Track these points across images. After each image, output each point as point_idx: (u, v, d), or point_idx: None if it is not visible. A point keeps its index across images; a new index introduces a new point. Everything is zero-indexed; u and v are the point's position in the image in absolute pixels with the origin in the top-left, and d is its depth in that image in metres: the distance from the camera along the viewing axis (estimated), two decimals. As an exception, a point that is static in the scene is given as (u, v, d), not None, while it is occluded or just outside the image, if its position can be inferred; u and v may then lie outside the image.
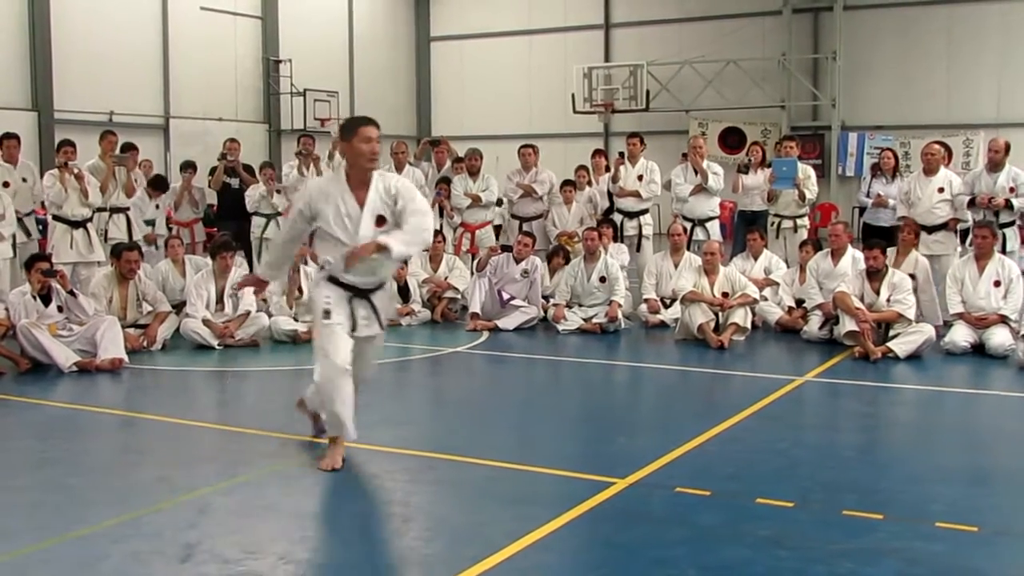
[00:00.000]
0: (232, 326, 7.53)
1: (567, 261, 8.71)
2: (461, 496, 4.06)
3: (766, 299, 8.13)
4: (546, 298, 8.58)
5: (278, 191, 9.65)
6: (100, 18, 15.61)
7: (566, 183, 9.65)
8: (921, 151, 8.72)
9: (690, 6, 19.48)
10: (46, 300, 6.76)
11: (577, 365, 7.15)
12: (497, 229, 10.20)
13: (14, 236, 8.13)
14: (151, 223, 9.56)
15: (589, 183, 9.85)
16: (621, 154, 9.76)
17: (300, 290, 7.89)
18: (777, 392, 5.89)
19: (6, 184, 8.24)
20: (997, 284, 7.16)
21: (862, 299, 7.14)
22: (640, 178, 9.42)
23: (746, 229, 9.03)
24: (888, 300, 7.08)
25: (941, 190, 8.14)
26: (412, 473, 4.34)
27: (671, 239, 8.60)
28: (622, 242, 9.34)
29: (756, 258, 8.59)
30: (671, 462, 4.36)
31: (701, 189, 9.24)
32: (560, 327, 8.09)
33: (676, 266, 8.36)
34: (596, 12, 20.68)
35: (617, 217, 9.50)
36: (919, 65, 17.84)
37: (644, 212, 9.52)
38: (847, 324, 7.05)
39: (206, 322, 7.48)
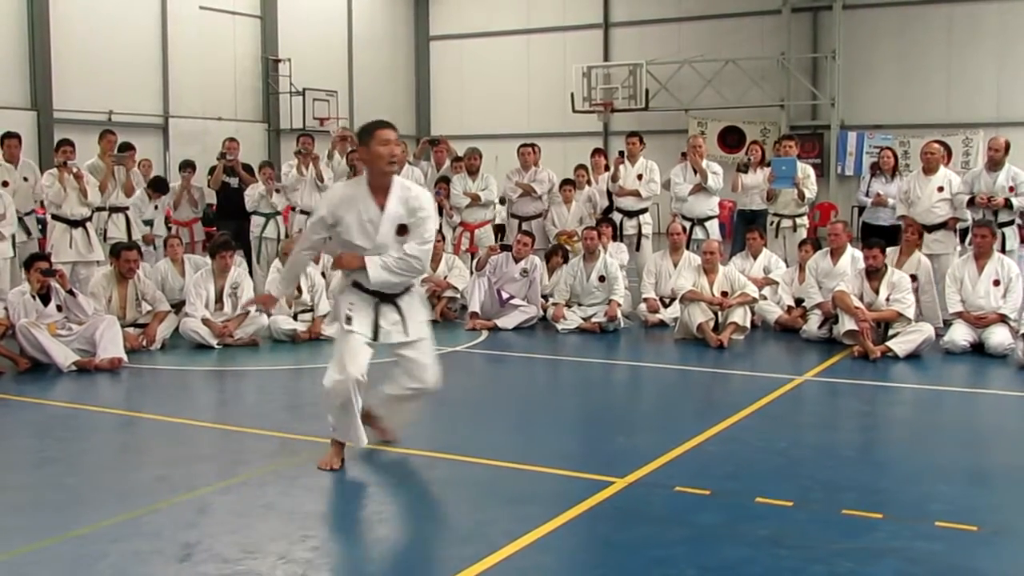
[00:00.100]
0: (231, 325, 7.53)
1: (566, 260, 8.71)
2: (460, 495, 4.05)
3: (765, 298, 8.13)
4: (545, 297, 8.58)
5: (277, 190, 9.65)
6: (99, 18, 15.60)
7: (565, 182, 9.66)
8: (920, 150, 8.72)
9: (689, 5, 19.48)
10: (45, 299, 6.76)
11: (576, 364, 7.15)
12: (500, 229, 10.20)
13: (14, 235, 8.13)
14: (149, 223, 9.56)
15: (588, 182, 9.84)
16: (621, 153, 9.76)
17: (299, 290, 7.89)
18: (776, 391, 5.89)
19: (6, 183, 8.24)
20: (996, 283, 7.16)
21: (861, 298, 7.14)
22: (639, 177, 9.42)
23: (745, 228, 9.04)
24: (887, 299, 7.08)
25: (940, 189, 8.15)
26: (412, 472, 4.34)
27: (670, 238, 8.60)
28: (621, 241, 9.34)
29: (755, 257, 8.59)
30: (670, 461, 4.36)
31: (700, 188, 9.24)
32: (559, 326, 8.09)
33: (675, 265, 8.36)
34: (595, 11, 20.68)
35: (616, 216, 9.50)
36: (918, 64, 17.85)
37: (643, 211, 9.52)
38: (846, 323, 7.05)
39: (205, 321, 7.48)
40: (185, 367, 6.88)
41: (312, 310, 7.90)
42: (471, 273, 8.94)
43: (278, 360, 7.13)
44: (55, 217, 8.25)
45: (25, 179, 8.47)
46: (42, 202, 8.59)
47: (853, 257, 7.74)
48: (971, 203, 7.99)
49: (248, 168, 10.28)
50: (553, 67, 20.43)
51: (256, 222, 9.65)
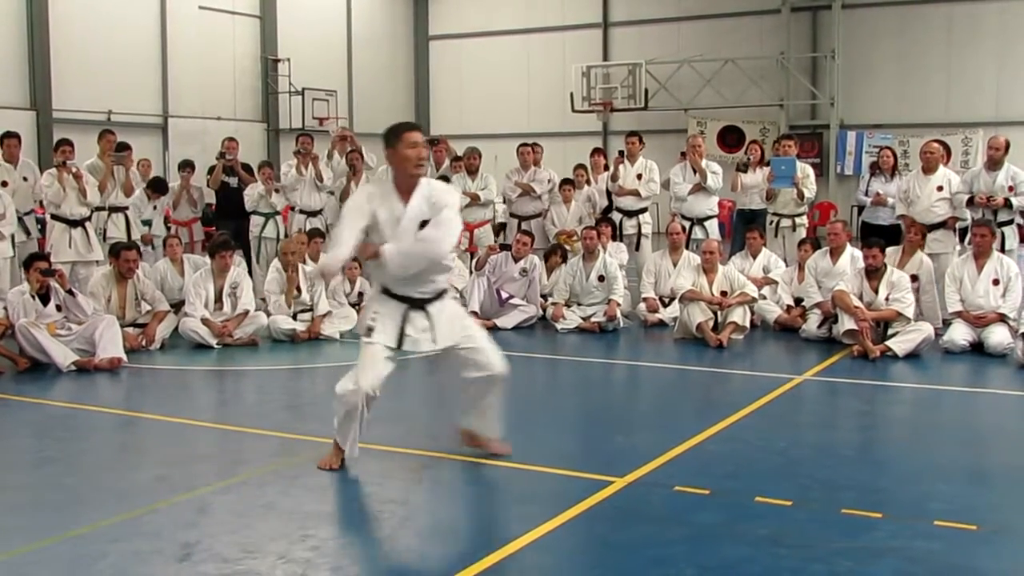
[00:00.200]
0: (231, 325, 7.52)
1: (564, 260, 8.71)
2: (460, 495, 4.06)
3: (765, 298, 8.13)
4: (544, 297, 8.58)
5: (276, 190, 9.64)
6: (99, 17, 15.60)
7: (565, 182, 9.66)
8: (920, 149, 8.73)
9: (688, 5, 19.48)
10: (45, 299, 6.76)
11: (576, 364, 7.15)
12: (502, 228, 10.20)
13: (13, 235, 8.13)
14: (148, 223, 9.56)
15: (588, 182, 9.84)
16: (621, 153, 9.76)
17: (299, 289, 7.89)
18: (776, 391, 5.89)
19: (5, 183, 8.24)
20: (996, 282, 7.16)
21: (861, 298, 7.15)
22: (639, 177, 9.42)
23: (745, 228, 9.04)
24: (887, 299, 7.08)
25: (940, 188, 8.15)
26: (411, 472, 4.34)
27: (670, 238, 8.60)
28: (621, 241, 9.34)
29: (755, 257, 8.59)
30: (670, 461, 4.36)
31: (700, 188, 9.24)
32: (559, 326, 8.09)
33: (675, 265, 8.36)
34: (595, 11, 20.68)
35: (616, 216, 9.50)
36: (918, 64, 17.85)
37: (643, 211, 9.52)
38: (846, 323, 7.05)
39: (205, 321, 7.47)
40: (184, 367, 6.88)
41: (311, 310, 7.90)
42: (470, 273, 8.94)
43: (277, 360, 7.13)
44: (54, 217, 8.24)
45: (24, 179, 8.47)
46: (41, 202, 8.59)
47: (852, 256, 7.74)
48: (970, 202, 7.99)
49: (247, 168, 10.27)
50: (552, 67, 20.43)
51: (255, 222, 9.65)
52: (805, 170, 9.26)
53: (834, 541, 3.43)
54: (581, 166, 10.03)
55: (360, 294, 8.70)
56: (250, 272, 8.88)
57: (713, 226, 9.33)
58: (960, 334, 7.05)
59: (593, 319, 8.12)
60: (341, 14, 20.31)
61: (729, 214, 11.97)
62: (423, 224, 4.08)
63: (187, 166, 10.34)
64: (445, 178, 9.69)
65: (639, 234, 9.43)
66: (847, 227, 8.60)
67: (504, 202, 10.08)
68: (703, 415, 5.35)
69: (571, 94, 19.22)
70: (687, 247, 8.69)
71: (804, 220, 9.36)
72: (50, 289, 6.80)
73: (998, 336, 6.91)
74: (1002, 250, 7.61)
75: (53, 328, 6.65)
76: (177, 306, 7.73)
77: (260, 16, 18.63)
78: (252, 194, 9.64)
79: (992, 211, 7.86)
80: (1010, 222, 7.99)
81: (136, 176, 9.44)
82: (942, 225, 8.13)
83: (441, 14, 21.98)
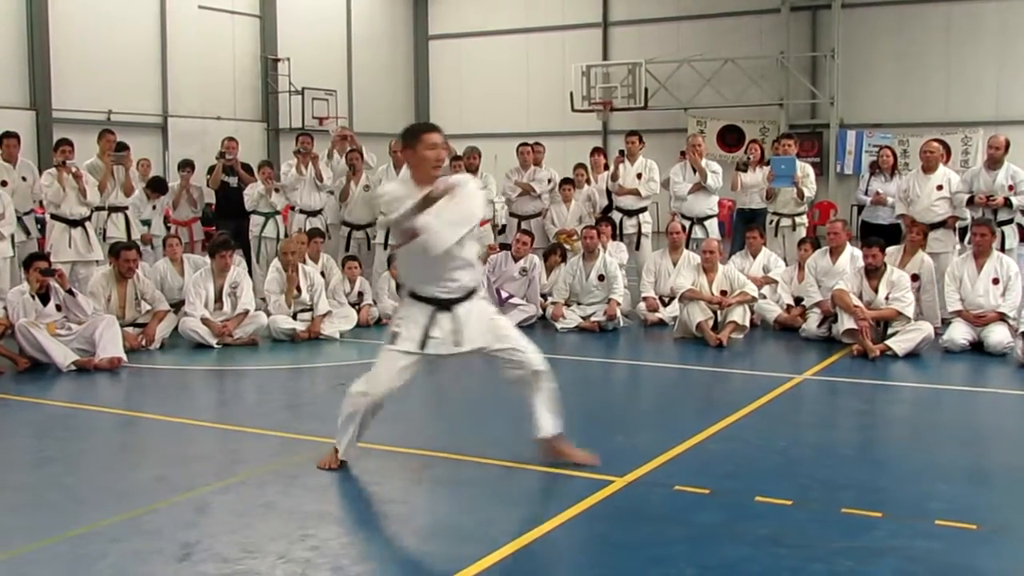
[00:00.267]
0: (231, 325, 7.52)
1: (564, 259, 8.71)
2: (460, 495, 4.05)
3: (765, 297, 8.13)
4: (544, 296, 8.58)
5: (276, 190, 9.64)
6: (98, 17, 15.59)
7: (565, 181, 9.66)
8: (920, 149, 8.73)
9: (688, 4, 19.47)
10: (45, 299, 6.76)
11: (576, 363, 7.14)
12: (502, 227, 10.20)
13: (13, 235, 8.13)
14: (147, 223, 9.55)
15: (588, 181, 9.85)
16: (621, 152, 9.76)
17: (298, 289, 7.89)
18: (776, 390, 5.89)
19: (4, 183, 8.23)
20: (995, 282, 7.16)
21: (861, 297, 7.15)
22: (639, 176, 9.42)
23: (745, 227, 9.04)
24: (887, 298, 7.08)
25: (940, 188, 8.15)
26: (411, 471, 4.34)
27: (670, 237, 8.60)
28: (621, 240, 9.34)
29: (755, 256, 8.59)
30: (670, 460, 4.36)
31: (700, 187, 9.24)
32: (559, 325, 8.09)
33: (675, 264, 8.36)
34: (594, 10, 20.68)
35: (616, 215, 9.51)
36: (917, 63, 17.84)
37: (643, 210, 9.52)
38: (846, 322, 7.05)
39: (205, 321, 7.47)
40: (184, 367, 6.88)
41: (311, 309, 7.90)
42: (470, 272, 8.92)
43: (277, 360, 7.13)
44: (54, 217, 8.24)
45: (24, 179, 8.46)
46: (41, 202, 8.58)
47: (852, 256, 7.74)
48: (970, 202, 7.99)
49: (247, 167, 10.27)
50: (552, 66, 20.43)
51: (255, 221, 9.64)
52: (805, 169, 9.26)
53: (834, 541, 3.43)
54: (581, 165, 10.04)
55: (360, 294, 8.70)
56: (250, 272, 8.88)
57: (713, 225, 9.33)
58: (960, 333, 7.05)
59: (593, 318, 8.12)
60: (341, 14, 20.30)
61: (729, 213, 11.97)
62: None
63: (187, 166, 10.34)
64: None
65: (639, 233, 9.43)
66: (847, 226, 8.62)
67: (505, 202, 10.07)
68: (703, 414, 5.35)
69: (571, 93, 19.21)
70: (687, 246, 8.69)
71: (804, 219, 9.36)
72: (50, 289, 6.80)
73: (998, 335, 6.91)
74: (1002, 249, 7.61)
75: (53, 328, 6.65)
76: (177, 306, 7.73)
77: (260, 16, 18.63)
78: (252, 194, 9.63)
79: (992, 210, 7.86)
80: (1010, 221, 8.00)
81: (135, 176, 9.44)
82: (942, 224, 8.13)
83: (441, 14, 21.97)
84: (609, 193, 9.77)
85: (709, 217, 9.31)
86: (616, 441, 4.87)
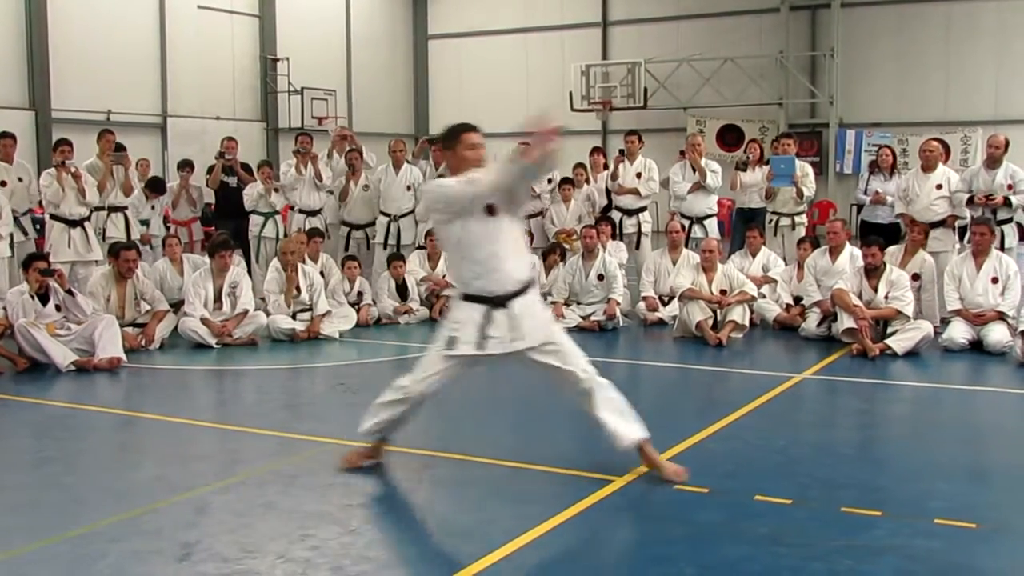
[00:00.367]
0: (230, 325, 7.52)
1: (563, 258, 8.71)
2: (460, 494, 4.05)
3: (764, 296, 8.14)
4: (544, 296, 8.57)
5: (276, 189, 9.64)
6: (97, 17, 15.59)
7: (564, 181, 9.66)
8: (919, 148, 8.73)
9: (687, 4, 19.47)
10: (44, 299, 6.76)
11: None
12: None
13: (12, 235, 8.13)
14: (145, 223, 9.55)
15: (587, 181, 9.85)
16: (621, 152, 9.76)
17: (298, 289, 7.89)
18: (775, 389, 5.89)
19: (3, 183, 8.23)
20: (995, 281, 7.16)
21: (860, 296, 7.15)
22: (638, 176, 9.43)
23: (744, 227, 9.04)
24: (886, 297, 7.08)
25: (939, 187, 8.15)
26: (411, 471, 4.34)
27: (669, 237, 8.60)
28: (621, 240, 9.34)
29: (754, 255, 8.59)
30: (669, 459, 4.35)
31: (699, 187, 9.24)
32: (558, 325, 8.08)
33: (674, 264, 8.36)
34: (594, 10, 20.67)
35: (616, 215, 9.51)
36: (917, 62, 17.85)
37: (643, 210, 9.52)
38: (845, 321, 7.05)
39: (204, 321, 7.47)
40: (184, 367, 6.88)
41: (311, 309, 7.90)
42: (470, 272, 8.92)
43: (277, 359, 7.12)
44: (53, 217, 8.23)
45: (20, 179, 8.45)
46: (40, 202, 8.58)
47: (852, 255, 7.75)
48: (970, 201, 7.99)
49: (247, 167, 10.27)
50: (551, 66, 20.42)
51: (255, 221, 9.64)
52: (804, 169, 9.26)
53: (834, 539, 3.43)
54: (580, 165, 10.03)
55: (359, 294, 8.70)
56: (249, 272, 8.88)
57: (712, 225, 9.33)
58: (959, 332, 7.05)
59: (592, 318, 8.12)
60: (340, 13, 20.29)
61: (728, 213, 11.97)
62: (489, 207, 3.91)
63: (186, 166, 10.33)
64: (444, 177, 9.70)
65: (639, 233, 9.43)
66: (846, 226, 8.62)
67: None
68: (702, 414, 5.35)
69: (570, 93, 19.21)
70: (686, 246, 8.69)
71: (803, 219, 9.36)
72: (49, 289, 6.80)
73: (997, 334, 6.92)
74: (1001, 248, 7.61)
75: (52, 328, 6.65)
76: (176, 306, 7.73)
77: (259, 15, 18.62)
78: (251, 193, 9.63)
79: (991, 210, 7.86)
80: (1009, 220, 8.00)
81: (135, 176, 9.43)
82: (941, 224, 8.13)
83: (440, 13, 21.96)
84: (608, 192, 9.77)
85: (708, 216, 9.31)
86: (616, 440, 4.86)
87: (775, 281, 8.33)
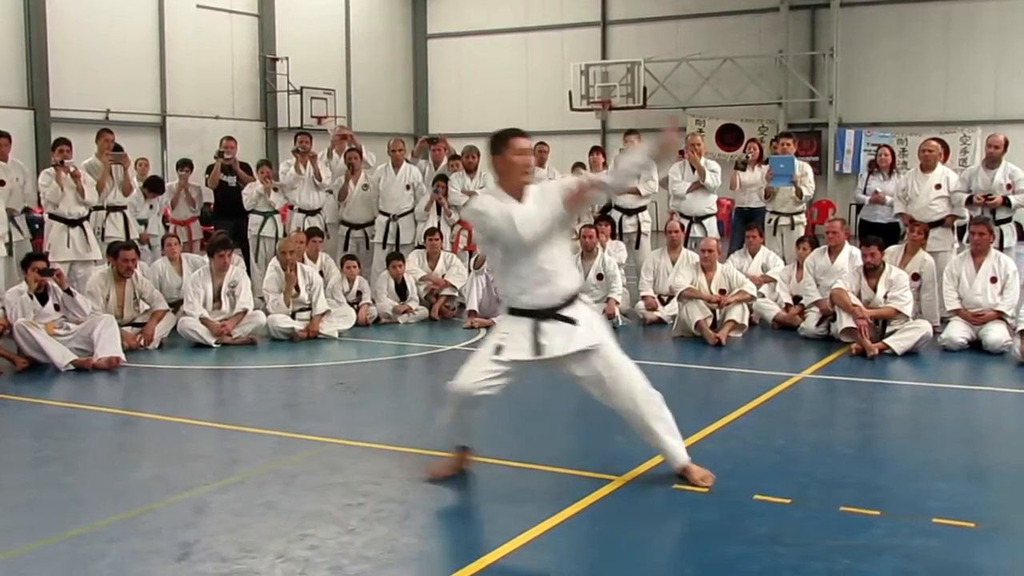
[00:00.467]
0: (229, 324, 7.52)
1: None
2: (459, 494, 4.05)
3: (763, 296, 8.14)
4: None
5: (275, 189, 9.63)
6: (96, 16, 15.58)
7: (563, 180, 9.63)
8: (918, 148, 8.73)
9: (687, 3, 19.47)
10: (43, 299, 6.75)
11: (575, 362, 7.14)
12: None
13: (10, 234, 8.12)
14: (144, 223, 9.54)
15: (586, 180, 9.83)
16: (622, 151, 9.75)
17: (297, 288, 7.89)
18: (774, 389, 5.89)
19: (3, 183, 8.21)
20: (994, 280, 7.17)
21: (859, 296, 7.15)
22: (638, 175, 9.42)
23: (744, 226, 9.04)
24: (885, 296, 7.08)
25: (938, 187, 8.15)
26: (410, 471, 4.33)
27: (668, 236, 8.60)
28: (620, 239, 9.34)
29: (753, 255, 8.59)
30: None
31: (698, 186, 9.24)
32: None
33: (673, 263, 8.36)
34: (593, 9, 20.67)
35: (615, 214, 9.51)
36: (916, 62, 17.85)
37: (642, 209, 9.52)
38: (844, 321, 7.06)
39: (203, 320, 7.47)
40: (183, 366, 6.88)
41: (310, 309, 7.89)
42: (469, 271, 8.94)
43: (276, 359, 7.12)
44: (52, 216, 8.22)
45: (16, 179, 8.42)
46: (39, 201, 8.56)
47: (851, 255, 7.75)
48: (969, 201, 7.99)
49: (246, 167, 10.26)
50: (551, 65, 20.42)
51: (254, 221, 9.64)
52: (803, 168, 9.27)
53: (833, 539, 3.43)
54: (580, 164, 10.03)
55: (359, 293, 8.70)
56: (248, 271, 8.87)
57: (712, 224, 9.33)
58: (958, 332, 7.06)
59: (592, 317, 8.11)
60: (339, 13, 20.28)
61: (728, 212, 11.97)
62: None
63: (185, 165, 10.32)
64: (443, 177, 9.70)
65: (638, 232, 9.43)
66: (845, 225, 8.63)
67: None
68: (701, 413, 5.34)
69: (569, 92, 19.21)
70: (686, 245, 8.70)
71: (803, 218, 9.37)
72: (48, 289, 6.79)
73: (996, 334, 6.92)
74: (1000, 248, 7.62)
75: (51, 328, 6.65)
76: (175, 305, 7.73)
77: (258, 15, 18.61)
78: (251, 193, 9.63)
79: (990, 209, 7.86)
80: (1008, 220, 8.00)
81: (134, 175, 9.42)
82: (940, 223, 8.14)
83: (439, 13, 21.96)
84: (607, 192, 9.75)
85: (708, 216, 9.31)
86: (615, 440, 4.86)
87: (774, 280, 8.33)
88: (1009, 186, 7.88)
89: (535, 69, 20.91)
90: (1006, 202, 7.86)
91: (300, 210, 9.59)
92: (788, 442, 4.81)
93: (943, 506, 3.75)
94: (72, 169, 8.17)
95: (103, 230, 8.74)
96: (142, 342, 7.25)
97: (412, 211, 9.56)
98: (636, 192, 9.42)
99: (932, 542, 3.42)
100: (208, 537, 3.49)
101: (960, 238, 8.24)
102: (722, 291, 7.64)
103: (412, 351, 7.50)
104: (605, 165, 10.14)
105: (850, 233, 9.47)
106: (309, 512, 3.75)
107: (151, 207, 9.75)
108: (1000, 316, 7.03)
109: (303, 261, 8.18)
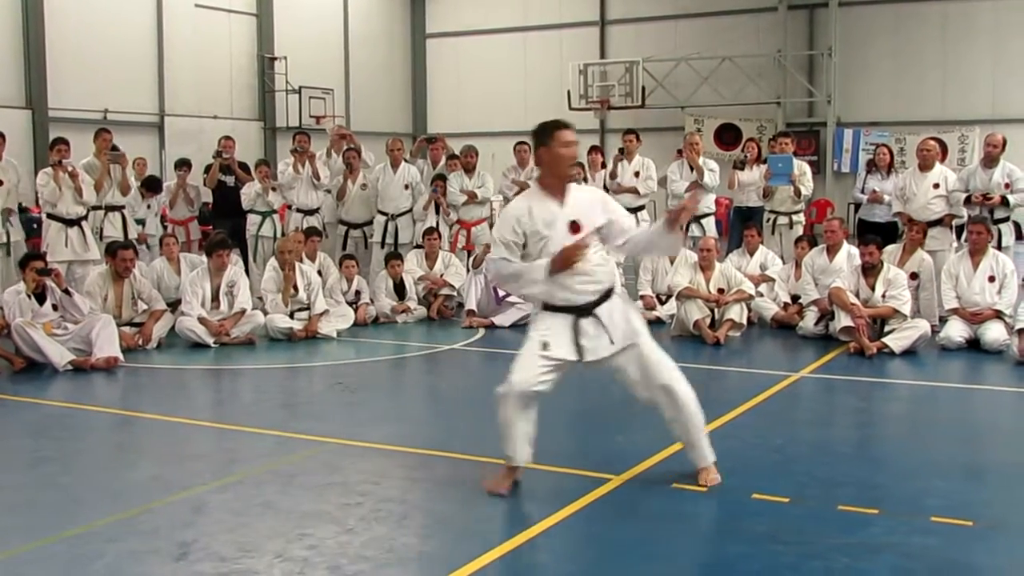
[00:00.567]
0: (227, 324, 7.52)
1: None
2: (457, 493, 4.05)
3: (762, 295, 8.14)
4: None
5: (273, 188, 9.62)
6: (94, 15, 15.55)
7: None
8: (916, 147, 8.74)
9: (685, 3, 19.45)
10: (41, 299, 6.74)
11: (573, 362, 7.14)
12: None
13: (7, 234, 8.10)
14: (141, 222, 9.53)
15: (585, 180, 9.83)
16: (620, 150, 9.77)
17: (295, 288, 7.88)
18: (773, 388, 5.90)
19: (1, 183, 8.20)
20: (992, 279, 7.17)
21: (857, 295, 7.15)
22: (637, 175, 9.44)
23: (742, 225, 9.05)
24: (883, 296, 7.09)
25: (936, 186, 8.16)
26: (409, 470, 4.34)
27: (667, 235, 8.59)
28: (618, 239, 9.32)
29: (752, 254, 8.60)
30: (667, 458, 4.36)
31: (697, 185, 9.24)
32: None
33: (672, 263, 8.36)
34: (592, 9, 20.65)
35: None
36: (914, 61, 17.86)
37: (641, 208, 9.52)
38: (842, 320, 7.06)
39: (201, 320, 7.46)
40: (181, 366, 6.87)
41: (308, 308, 7.89)
42: (467, 271, 8.94)
43: (274, 359, 7.12)
44: (50, 216, 8.21)
45: (11, 178, 8.39)
46: (37, 200, 8.55)
47: (849, 254, 7.76)
48: (967, 201, 8.00)
49: (244, 166, 10.25)
50: (549, 64, 20.40)
51: (252, 220, 9.63)
52: (802, 167, 9.27)
53: (831, 537, 3.43)
54: (579, 164, 9.99)
55: (357, 292, 8.70)
56: (247, 271, 8.87)
57: (710, 224, 9.34)
58: (956, 331, 7.06)
59: (590, 317, 8.11)
60: (338, 12, 20.26)
61: (726, 212, 11.97)
62: (571, 224, 3.84)
63: (183, 165, 10.31)
64: (442, 176, 9.70)
65: (637, 232, 9.42)
66: (844, 224, 8.63)
67: (502, 200, 10.07)
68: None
69: (568, 92, 19.18)
70: (684, 245, 8.69)
71: (801, 217, 9.37)
72: (46, 288, 6.78)
73: (994, 333, 6.93)
74: (998, 247, 7.62)
75: (49, 327, 6.64)
76: (174, 305, 7.72)
77: (256, 14, 18.58)
78: (249, 192, 9.62)
79: (988, 209, 7.87)
80: (1006, 219, 8.01)
81: (132, 175, 9.40)
82: (938, 223, 8.14)
83: (438, 12, 21.94)
84: (607, 191, 9.76)
85: (706, 215, 9.32)
86: (613, 439, 4.87)
87: (773, 280, 8.33)
88: (1007, 185, 7.89)
89: (533, 69, 20.89)
90: (1004, 201, 7.86)
91: (298, 210, 9.59)
92: (786, 441, 4.81)
93: (941, 504, 3.75)
94: (70, 169, 8.15)
95: (101, 230, 8.73)
96: (140, 342, 7.24)
97: (410, 211, 9.56)
98: (635, 192, 9.43)
99: (930, 540, 3.42)
100: (206, 537, 3.48)
101: (958, 237, 8.25)
102: (720, 290, 7.64)
103: (411, 351, 7.50)
104: (604, 165, 10.15)
105: (848, 232, 9.47)
106: (307, 512, 3.75)
107: (148, 207, 9.74)
108: (998, 315, 7.04)
109: (301, 261, 8.18)
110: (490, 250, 9.63)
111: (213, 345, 7.38)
